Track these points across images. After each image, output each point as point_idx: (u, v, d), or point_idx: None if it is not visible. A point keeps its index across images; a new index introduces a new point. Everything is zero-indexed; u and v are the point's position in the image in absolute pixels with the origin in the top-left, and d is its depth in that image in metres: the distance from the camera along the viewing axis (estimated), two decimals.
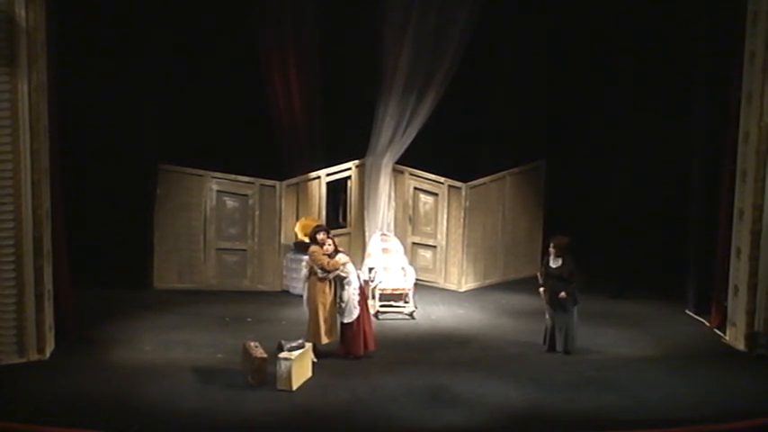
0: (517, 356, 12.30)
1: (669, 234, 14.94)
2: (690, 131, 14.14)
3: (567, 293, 12.07)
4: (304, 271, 12.52)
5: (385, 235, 15.20)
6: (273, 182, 15.38)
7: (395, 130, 15.23)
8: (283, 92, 15.61)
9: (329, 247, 12.00)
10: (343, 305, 12.00)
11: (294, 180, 15.52)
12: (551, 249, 12.33)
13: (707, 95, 13.63)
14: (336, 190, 16.04)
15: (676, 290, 14.51)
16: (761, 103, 12.02)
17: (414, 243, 15.99)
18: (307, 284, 12.17)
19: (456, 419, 10.11)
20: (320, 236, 12.08)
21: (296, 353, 11.02)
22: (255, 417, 10.11)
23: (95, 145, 14.78)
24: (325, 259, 11.91)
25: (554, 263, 12.27)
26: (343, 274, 12.00)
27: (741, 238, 12.46)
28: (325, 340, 11.96)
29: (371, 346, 12.18)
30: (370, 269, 14.35)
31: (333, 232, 12.83)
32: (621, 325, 13.67)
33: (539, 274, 12.51)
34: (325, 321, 11.94)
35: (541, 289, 12.34)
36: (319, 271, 11.94)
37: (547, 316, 12.38)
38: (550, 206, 16.30)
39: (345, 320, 12.02)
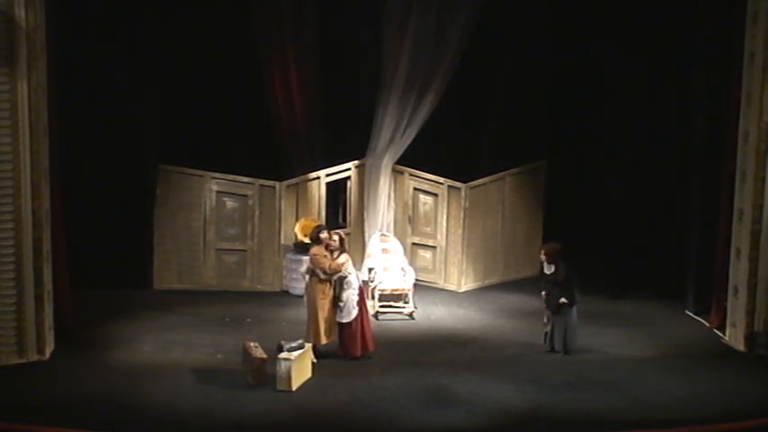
0: (517, 357, 12.29)
1: (669, 234, 14.92)
2: (690, 131, 14.14)
3: (566, 299, 12.08)
4: (304, 266, 12.49)
5: (384, 235, 15.20)
6: (273, 182, 15.38)
7: (394, 131, 15.23)
8: (283, 92, 15.60)
9: (335, 243, 11.99)
10: (342, 305, 11.99)
11: (294, 180, 15.52)
12: (542, 256, 12.37)
13: (707, 95, 13.63)
14: (336, 190, 16.04)
15: (676, 290, 14.51)
16: (760, 103, 12.02)
17: (413, 243, 15.98)
18: (306, 284, 12.17)
19: (455, 420, 10.11)
20: (324, 234, 12.08)
21: (296, 353, 11.02)
22: (255, 417, 10.12)
23: (95, 145, 14.75)
24: (327, 262, 11.90)
25: (547, 269, 12.33)
26: (345, 274, 11.98)
27: (741, 238, 12.45)
28: (324, 341, 11.95)
29: (370, 347, 12.17)
30: (370, 269, 14.36)
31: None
32: (621, 325, 13.67)
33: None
34: (324, 321, 11.94)
35: (543, 292, 12.36)
36: (321, 274, 11.92)
37: (545, 319, 12.39)
38: (550, 206, 16.29)
39: (344, 320, 12.01)
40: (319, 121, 16.06)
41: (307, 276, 12.17)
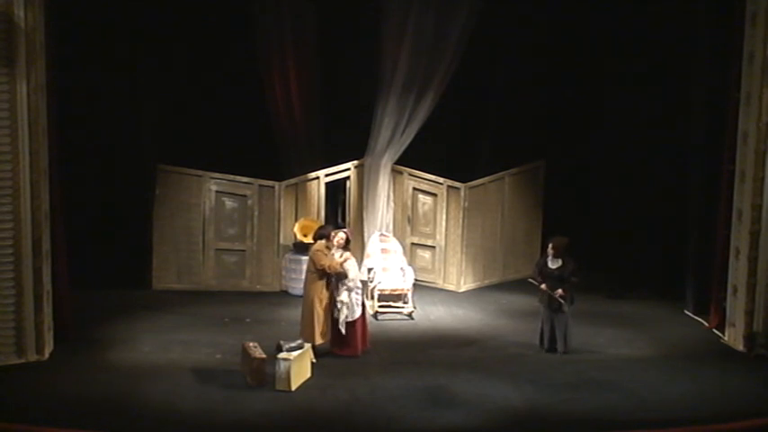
0: (516, 357, 12.29)
1: (669, 234, 14.93)
2: (689, 132, 14.14)
3: (564, 291, 12.06)
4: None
5: (384, 235, 15.20)
6: (272, 182, 15.38)
7: (394, 131, 15.23)
8: (282, 92, 15.61)
9: (341, 240, 11.99)
10: (340, 304, 11.98)
11: (293, 180, 15.52)
12: (550, 250, 12.31)
13: (706, 96, 13.63)
14: (335, 190, 16.04)
15: (675, 290, 14.52)
16: (759, 104, 12.02)
17: (413, 243, 15.98)
18: (304, 283, 12.18)
19: (455, 420, 10.11)
20: (328, 231, 12.08)
21: (295, 353, 11.01)
22: (254, 417, 10.11)
23: (95, 145, 14.77)
24: (327, 260, 11.89)
25: (553, 263, 12.24)
26: (344, 273, 11.96)
27: (740, 238, 12.46)
28: (319, 340, 11.92)
29: (367, 345, 12.21)
30: (369, 270, 14.35)
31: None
32: (620, 325, 13.67)
33: (531, 278, 12.49)
34: (320, 321, 11.93)
35: (543, 285, 12.25)
36: (319, 272, 11.92)
37: (542, 317, 12.37)
38: (549, 206, 16.29)
39: (348, 319, 11.99)
40: (319, 122, 16.07)
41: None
